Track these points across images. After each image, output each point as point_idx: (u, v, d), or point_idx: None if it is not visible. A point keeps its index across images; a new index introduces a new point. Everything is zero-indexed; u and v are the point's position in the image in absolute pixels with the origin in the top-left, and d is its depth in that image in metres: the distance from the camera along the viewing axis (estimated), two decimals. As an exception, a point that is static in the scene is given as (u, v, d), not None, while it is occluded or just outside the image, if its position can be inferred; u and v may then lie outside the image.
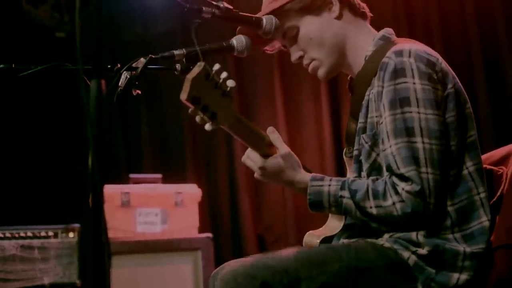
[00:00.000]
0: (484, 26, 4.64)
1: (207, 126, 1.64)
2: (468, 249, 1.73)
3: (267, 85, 4.85)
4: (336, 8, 1.96)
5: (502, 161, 1.96)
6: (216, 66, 1.57)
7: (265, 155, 1.81)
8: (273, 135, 1.83)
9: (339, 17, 1.96)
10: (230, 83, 1.60)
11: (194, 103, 1.55)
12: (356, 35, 1.97)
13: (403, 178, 1.70)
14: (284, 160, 1.81)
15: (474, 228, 1.76)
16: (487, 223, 1.76)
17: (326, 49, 1.96)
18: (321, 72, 2.00)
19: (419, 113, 1.73)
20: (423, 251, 1.72)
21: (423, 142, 1.71)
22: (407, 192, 1.69)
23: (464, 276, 1.72)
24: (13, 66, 1.77)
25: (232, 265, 1.73)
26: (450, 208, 1.76)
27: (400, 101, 1.74)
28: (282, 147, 1.82)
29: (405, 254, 1.74)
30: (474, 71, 4.61)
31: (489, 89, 4.56)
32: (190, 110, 1.58)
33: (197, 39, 1.75)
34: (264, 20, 1.92)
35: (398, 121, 1.73)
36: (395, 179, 1.72)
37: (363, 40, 1.96)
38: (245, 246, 4.64)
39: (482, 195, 1.79)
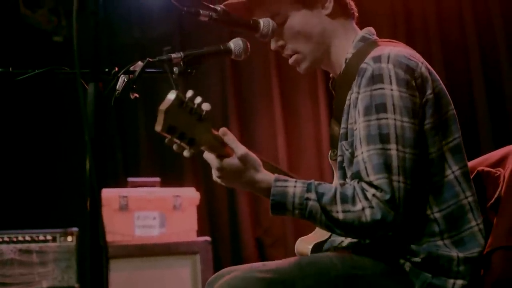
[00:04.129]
0: (482, 28, 4.65)
1: (186, 153, 1.61)
2: (461, 254, 1.70)
3: (265, 88, 4.85)
4: (330, 5, 1.92)
5: (499, 163, 1.96)
6: (189, 93, 1.55)
7: (221, 156, 1.71)
8: (227, 137, 1.70)
9: (330, 15, 1.93)
10: (206, 106, 1.57)
11: (170, 133, 1.54)
12: (342, 35, 1.93)
13: (371, 185, 1.63)
14: (242, 161, 1.70)
15: (464, 234, 1.73)
16: (476, 228, 1.74)
17: (312, 44, 1.93)
18: (303, 66, 1.96)
19: (395, 119, 1.66)
20: (417, 259, 1.70)
21: (397, 150, 1.65)
22: (377, 198, 1.62)
23: (459, 282, 1.69)
24: (11, 69, 1.77)
25: (227, 276, 1.69)
26: (437, 215, 1.72)
27: (376, 107, 1.68)
28: (238, 148, 1.70)
29: (401, 260, 1.72)
30: (472, 73, 4.62)
31: (487, 90, 4.58)
32: (166, 140, 1.57)
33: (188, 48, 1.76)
34: (262, 23, 1.91)
35: (372, 127, 1.67)
36: (364, 184, 1.65)
37: (347, 42, 1.92)
38: (244, 249, 4.64)
39: (470, 198, 1.75)
